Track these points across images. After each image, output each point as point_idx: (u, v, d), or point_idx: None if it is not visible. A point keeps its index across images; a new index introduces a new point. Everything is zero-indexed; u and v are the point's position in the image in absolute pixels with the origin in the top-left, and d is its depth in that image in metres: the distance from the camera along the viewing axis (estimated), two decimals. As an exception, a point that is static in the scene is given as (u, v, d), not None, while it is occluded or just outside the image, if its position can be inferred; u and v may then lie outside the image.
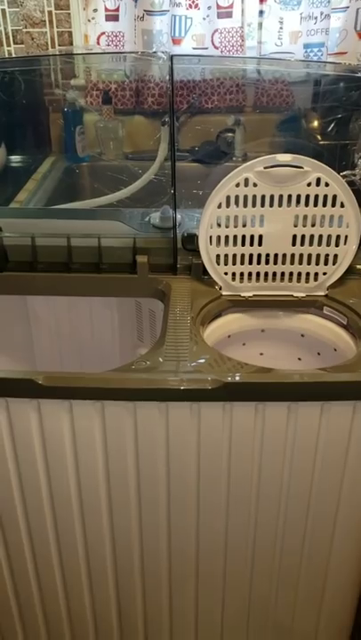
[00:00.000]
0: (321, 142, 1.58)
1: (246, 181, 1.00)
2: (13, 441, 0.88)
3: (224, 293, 1.09)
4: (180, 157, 1.83)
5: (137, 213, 1.22)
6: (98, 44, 1.80)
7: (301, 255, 1.06)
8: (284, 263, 1.07)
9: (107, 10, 1.76)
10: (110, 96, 1.79)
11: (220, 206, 1.02)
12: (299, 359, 1.15)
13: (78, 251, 1.12)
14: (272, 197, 1.01)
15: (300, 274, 1.07)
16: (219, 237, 1.05)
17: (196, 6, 1.75)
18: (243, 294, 1.09)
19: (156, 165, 1.65)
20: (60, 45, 1.84)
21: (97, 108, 1.85)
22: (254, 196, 1.01)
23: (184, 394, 0.82)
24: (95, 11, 1.77)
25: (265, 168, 0.99)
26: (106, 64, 1.82)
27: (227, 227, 1.04)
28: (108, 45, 1.80)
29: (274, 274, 1.08)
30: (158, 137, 1.82)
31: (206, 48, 1.79)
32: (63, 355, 1.27)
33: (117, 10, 1.76)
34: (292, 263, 1.07)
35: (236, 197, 1.01)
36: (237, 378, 0.84)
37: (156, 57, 1.01)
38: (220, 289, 1.09)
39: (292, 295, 1.09)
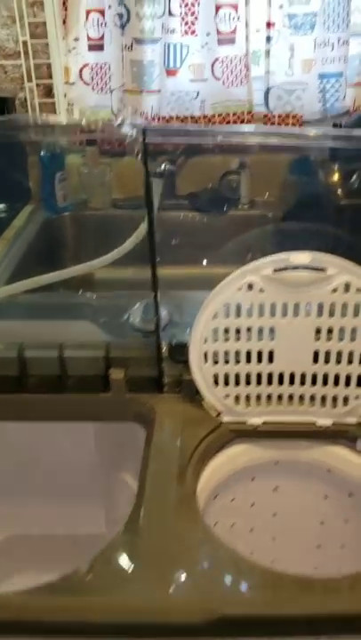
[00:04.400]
0: (343, 201, 1.32)
1: (251, 286, 0.75)
2: None
3: (225, 420, 0.84)
4: (176, 206, 1.58)
5: (112, 307, 0.98)
6: (80, 77, 1.55)
7: (326, 375, 0.80)
8: (303, 384, 0.81)
9: (90, 39, 1.52)
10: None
11: (215, 316, 0.77)
12: (325, 497, 0.90)
13: (35, 362, 0.88)
14: (285, 306, 0.76)
15: (324, 397, 0.82)
16: (216, 353, 0.80)
17: (193, 32, 1.50)
18: (250, 421, 0.83)
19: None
20: (37, 79, 1.60)
21: (81, 149, 1.61)
22: (261, 305, 0.76)
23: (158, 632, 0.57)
24: (76, 40, 1.52)
25: (275, 271, 0.73)
26: (90, 99, 1.57)
27: (226, 340, 0.79)
28: (92, 79, 1.55)
29: (290, 396, 0.83)
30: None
31: (206, 80, 1.54)
32: (27, 491, 1.02)
33: (102, 38, 1.52)
34: (313, 384, 0.81)
35: (238, 306, 0.76)
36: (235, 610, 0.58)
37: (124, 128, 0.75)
38: (220, 414, 0.84)
39: (314, 423, 0.83)
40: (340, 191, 1.30)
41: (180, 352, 0.85)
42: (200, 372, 0.81)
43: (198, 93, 1.55)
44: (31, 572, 1.22)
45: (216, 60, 1.53)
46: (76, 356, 0.87)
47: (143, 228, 1.40)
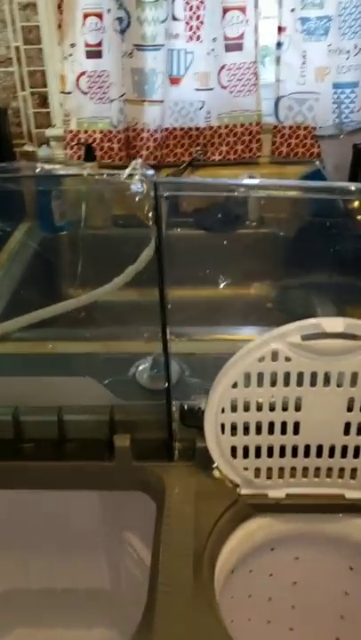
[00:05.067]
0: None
1: (275, 354, 0.66)
2: None
3: (244, 492, 0.75)
4: (182, 224, 1.49)
5: (116, 360, 0.89)
6: (77, 86, 1.45)
7: (358, 447, 0.71)
8: (331, 456, 0.73)
9: (87, 45, 1.42)
10: (94, 150, 1.45)
11: (235, 385, 0.68)
12: (351, 568, 0.82)
13: (31, 426, 0.79)
14: (314, 375, 0.67)
15: (355, 470, 0.73)
16: (235, 424, 0.71)
17: (199, 38, 1.40)
18: (272, 494, 0.75)
19: (148, 252, 1.30)
20: (31, 87, 1.50)
21: (78, 163, 1.51)
22: (287, 374, 0.67)
23: None
24: (73, 46, 1.42)
25: (303, 338, 0.65)
26: (88, 109, 1.47)
27: (246, 410, 0.70)
28: (90, 88, 1.45)
29: (317, 469, 0.74)
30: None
31: (211, 89, 1.44)
32: (27, 545, 0.93)
33: (100, 45, 1.41)
34: (343, 456, 0.73)
35: (260, 375, 0.67)
36: None
37: (134, 181, 0.65)
38: (238, 487, 0.75)
39: (343, 495, 0.75)
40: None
41: (193, 416, 0.76)
42: (216, 443, 0.73)
43: (204, 103, 1.45)
44: (31, 627, 1.14)
45: (223, 67, 1.43)
46: (76, 419, 0.79)
47: (150, 249, 1.31)
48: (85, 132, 1.49)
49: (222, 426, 0.71)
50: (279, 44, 1.41)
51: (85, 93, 1.46)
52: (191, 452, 0.78)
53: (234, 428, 0.71)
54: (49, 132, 1.52)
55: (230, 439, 0.72)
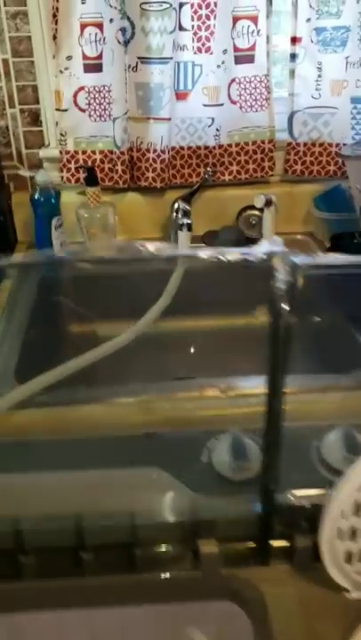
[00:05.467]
0: None
1: None
2: None
3: (354, 596, 0.66)
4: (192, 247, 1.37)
5: (180, 441, 0.77)
6: (75, 102, 1.32)
7: None
8: None
9: (85, 57, 1.28)
10: (95, 174, 1.32)
11: (361, 486, 0.59)
12: None
13: (93, 532, 0.67)
14: None
15: None
16: (355, 529, 0.62)
17: (208, 50, 1.29)
18: (384, 594, 0.66)
19: (173, 285, 1.20)
20: (21, 104, 1.35)
21: (78, 187, 1.38)
22: None
23: None
24: (69, 58, 1.29)
25: None
26: (87, 128, 1.34)
27: (369, 510, 0.61)
28: (89, 104, 1.32)
29: None
30: (163, 222, 1.37)
31: (221, 104, 1.34)
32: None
33: (100, 57, 1.28)
34: None
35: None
36: None
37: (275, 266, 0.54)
38: (348, 592, 0.66)
39: None
40: None
41: (292, 514, 0.67)
42: (330, 547, 0.63)
43: (213, 120, 1.34)
44: None
45: (233, 80, 1.33)
46: (149, 522, 0.67)
47: (175, 278, 1.20)
48: (84, 152, 1.36)
49: (339, 530, 0.62)
50: (293, 56, 1.32)
51: (84, 110, 1.32)
52: (288, 553, 0.69)
53: (354, 534, 0.62)
54: (43, 153, 1.38)
55: (347, 544, 0.63)
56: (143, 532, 0.68)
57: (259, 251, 0.53)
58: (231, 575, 0.68)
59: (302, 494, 0.67)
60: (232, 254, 0.54)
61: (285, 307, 0.52)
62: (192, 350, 1.33)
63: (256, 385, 0.96)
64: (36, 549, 0.69)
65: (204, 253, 0.55)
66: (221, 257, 0.54)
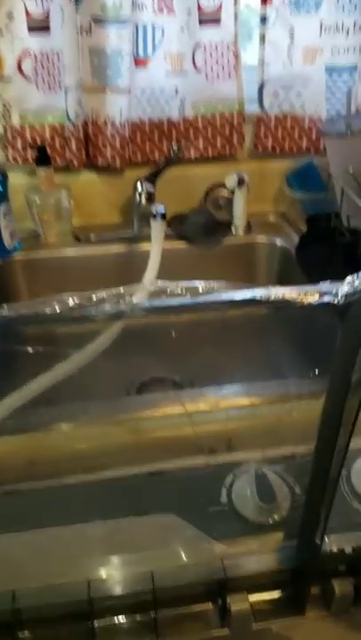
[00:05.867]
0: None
1: None
2: None
3: None
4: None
5: (191, 479, 0.65)
6: (19, 70, 1.15)
7: None
8: None
9: (29, 16, 1.11)
10: (46, 152, 1.16)
11: None
12: None
13: (105, 598, 0.56)
14: None
15: None
16: None
17: (170, 10, 1.14)
18: None
19: (151, 273, 1.07)
20: None
21: (26, 167, 1.22)
22: None
23: None
24: (10, 17, 1.11)
25: None
26: (34, 99, 1.18)
27: None
28: (37, 72, 1.15)
29: None
30: (124, 205, 1.24)
31: (185, 72, 1.20)
32: None
33: (47, 17, 1.12)
34: None
35: None
36: None
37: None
38: None
39: None
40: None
41: (331, 559, 0.57)
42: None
43: (177, 90, 1.21)
44: None
45: (197, 45, 1.19)
46: (168, 583, 0.56)
47: (154, 264, 1.07)
48: (32, 127, 1.20)
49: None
50: (263, 19, 1.19)
51: (30, 79, 1.16)
52: (325, 599, 0.60)
53: None
54: (-17, 129, 1.20)
55: None
56: (163, 594, 0.57)
57: (340, 287, 0.42)
58: (264, 630, 0.58)
59: (342, 537, 0.58)
60: (311, 293, 0.42)
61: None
62: (166, 349, 1.21)
63: (252, 392, 0.86)
64: (38, 621, 0.57)
65: (278, 292, 0.43)
66: (302, 298, 0.42)
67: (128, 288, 0.45)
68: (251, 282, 1.30)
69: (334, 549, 0.58)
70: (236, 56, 1.21)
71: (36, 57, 1.14)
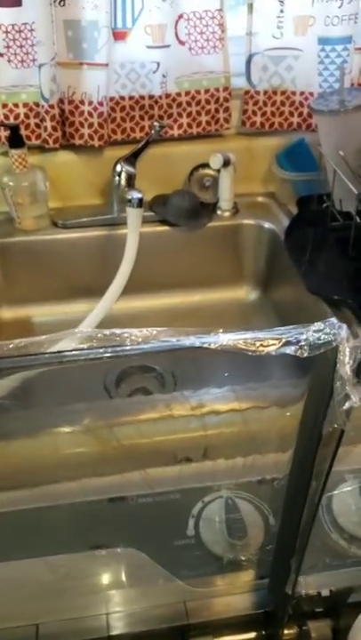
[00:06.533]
0: None
1: None
2: None
3: None
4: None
5: (156, 505, 0.62)
6: (-11, 44, 1.07)
7: None
8: None
9: (-1, -13, 1.03)
10: (20, 132, 1.10)
11: None
12: None
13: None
14: None
15: None
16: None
17: (150, -23, 1.06)
18: None
19: (126, 267, 1.03)
20: None
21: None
22: None
23: None
24: (-22, -13, 1.03)
25: None
26: (6, 76, 1.11)
27: None
28: (8, 47, 1.08)
29: None
30: (103, 186, 1.18)
31: (168, 46, 1.12)
32: None
33: (18, -13, 1.04)
34: None
35: None
36: None
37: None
38: None
39: None
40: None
41: (307, 601, 0.54)
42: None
43: (158, 65, 1.13)
44: None
45: (180, 17, 1.11)
46: (129, 629, 0.54)
47: (130, 255, 1.03)
48: (4, 105, 1.13)
49: None
50: (251, -14, 1.11)
51: (2, 55, 1.09)
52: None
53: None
54: None
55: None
56: None
57: (309, 333, 0.37)
58: None
59: (318, 579, 0.55)
60: (270, 341, 0.38)
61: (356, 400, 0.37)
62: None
63: (233, 397, 0.82)
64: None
65: (229, 339, 0.39)
66: (259, 347, 0.38)
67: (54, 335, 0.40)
68: (237, 267, 1.26)
69: (311, 592, 0.55)
70: (222, 27, 1.13)
71: (7, 31, 1.06)
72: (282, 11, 1.12)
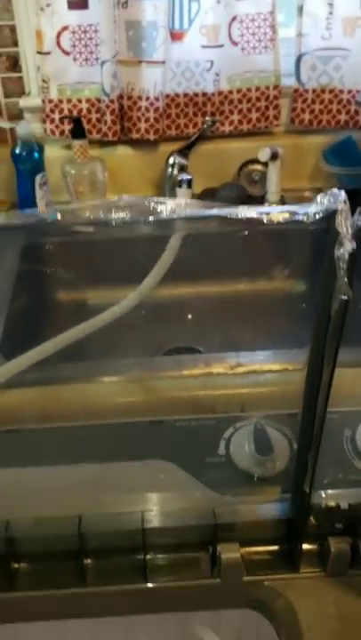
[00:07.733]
0: None
1: None
2: None
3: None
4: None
5: (192, 429, 0.66)
6: (58, 44, 1.18)
7: None
8: None
9: (69, -8, 1.14)
10: (82, 125, 1.19)
11: None
12: None
13: (94, 539, 0.58)
14: None
15: None
16: None
17: (206, -18, 1.15)
18: None
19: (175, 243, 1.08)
20: (-2, 47, 1.21)
21: (63, 140, 1.25)
22: None
23: None
24: (51, -6, 1.14)
25: None
26: (72, 73, 1.20)
27: None
28: (74, 46, 1.18)
29: None
30: (157, 179, 1.25)
31: (221, 45, 1.20)
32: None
33: (86, -8, 1.14)
34: None
35: None
36: None
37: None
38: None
39: None
40: None
41: (327, 515, 0.57)
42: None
43: (212, 63, 1.21)
44: None
45: (234, 18, 1.19)
46: (159, 525, 0.58)
47: (175, 240, 1.08)
48: (69, 100, 1.22)
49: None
50: (302, -10, 1.18)
51: (68, 54, 1.19)
52: (320, 558, 0.59)
53: None
54: (23, 102, 1.24)
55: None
56: (153, 536, 0.58)
57: (311, 208, 0.42)
58: (255, 582, 0.59)
59: (338, 493, 0.57)
60: (276, 213, 0.43)
61: (345, 279, 0.41)
62: (192, 319, 1.22)
63: (272, 359, 0.86)
64: (31, 555, 0.59)
65: (239, 212, 0.43)
66: (262, 216, 0.43)
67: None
68: (282, 261, 1.29)
69: (331, 504, 0.58)
70: (273, 28, 1.20)
71: (74, 31, 1.16)
72: (331, 12, 1.18)
